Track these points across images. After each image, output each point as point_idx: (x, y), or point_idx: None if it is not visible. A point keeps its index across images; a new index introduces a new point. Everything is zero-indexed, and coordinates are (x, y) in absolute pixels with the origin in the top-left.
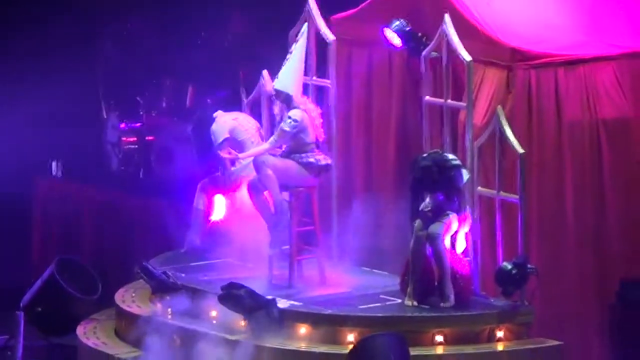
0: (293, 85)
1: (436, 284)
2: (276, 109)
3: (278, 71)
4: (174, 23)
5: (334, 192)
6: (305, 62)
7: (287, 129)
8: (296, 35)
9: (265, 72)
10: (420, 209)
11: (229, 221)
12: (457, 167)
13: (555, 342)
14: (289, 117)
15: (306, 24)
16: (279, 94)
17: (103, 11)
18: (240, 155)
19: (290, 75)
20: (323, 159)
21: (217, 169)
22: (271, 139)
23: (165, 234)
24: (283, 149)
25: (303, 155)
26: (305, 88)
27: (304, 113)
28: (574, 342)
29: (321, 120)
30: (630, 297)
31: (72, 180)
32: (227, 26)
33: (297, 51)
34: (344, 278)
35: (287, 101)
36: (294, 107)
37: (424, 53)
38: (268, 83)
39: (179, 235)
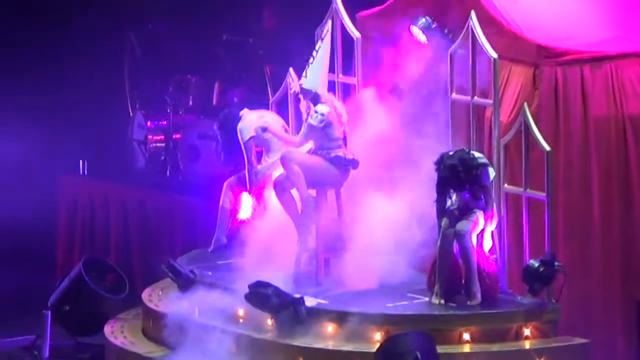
0: (319, 83)
1: (463, 282)
2: (303, 107)
3: (304, 69)
4: (199, 20)
5: (361, 188)
6: (331, 59)
7: (314, 123)
8: (323, 33)
9: (291, 70)
10: (447, 207)
11: (255, 220)
12: (484, 166)
13: (582, 340)
14: (316, 112)
15: (330, 21)
16: (306, 93)
17: (130, 9)
18: (270, 155)
19: (316, 73)
20: (350, 154)
21: (244, 167)
22: (300, 134)
23: (192, 232)
24: (311, 147)
25: (330, 151)
26: (332, 85)
27: (330, 108)
28: (600, 340)
29: (347, 117)
30: None
31: (98, 179)
32: (254, 23)
33: (323, 49)
34: (370, 276)
35: (314, 99)
36: (320, 103)
37: (450, 50)
38: (294, 83)
39: (206, 233)
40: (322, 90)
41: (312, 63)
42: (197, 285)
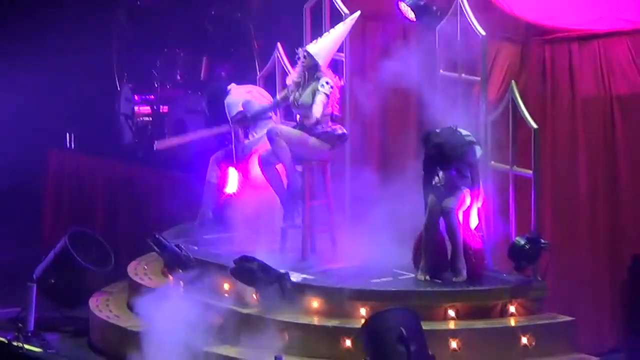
0: (325, 57)
1: (449, 258)
2: (290, 79)
3: (293, 44)
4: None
5: (347, 165)
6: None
7: (327, 92)
8: (311, 9)
9: (279, 45)
10: (433, 184)
11: (241, 194)
12: (470, 144)
13: (568, 318)
14: (326, 82)
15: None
16: (309, 58)
17: None
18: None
19: (326, 46)
20: (339, 128)
21: (231, 141)
22: (316, 107)
23: (178, 206)
24: (298, 122)
25: (318, 126)
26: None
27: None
28: (586, 318)
29: (339, 96)
30: None
31: (85, 152)
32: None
33: (339, 29)
34: (356, 252)
35: (312, 68)
36: (322, 75)
37: (438, 27)
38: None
39: (192, 208)
40: (323, 64)
41: (325, 36)
42: (183, 259)
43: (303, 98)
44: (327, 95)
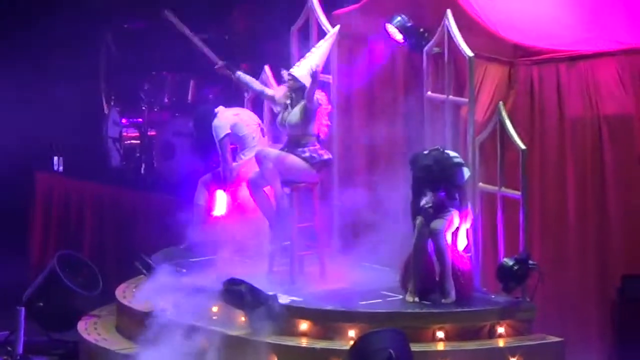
0: (309, 78)
1: (437, 280)
2: (276, 108)
3: (280, 67)
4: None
5: (335, 187)
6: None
7: (313, 107)
8: (298, 31)
9: (267, 68)
10: (421, 205)
11: (230, 217)
12: (458, 165)
13: (557, 339)
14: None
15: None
16: (294, 80)
17: (105, 7)
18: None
19: (309, 67)
20: (325, 154)
21: (219, 164)
22: (300, 121)
23: (166, 229)
24: (285, 143)
25: (305, 149)
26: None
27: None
28: (575, 338)
29: (327, 119)
30: (631, 293)
31: (73, 175)
32: (229, 21)
33: (321, 47)
34: (344, 274)
35: (299, 90)
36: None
37: (425, 48)
38: (257, 84)
39: (180, 231)
40: (309, 84)
41: (308, 56)
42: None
43: (291, 117)
44: (310, 109)
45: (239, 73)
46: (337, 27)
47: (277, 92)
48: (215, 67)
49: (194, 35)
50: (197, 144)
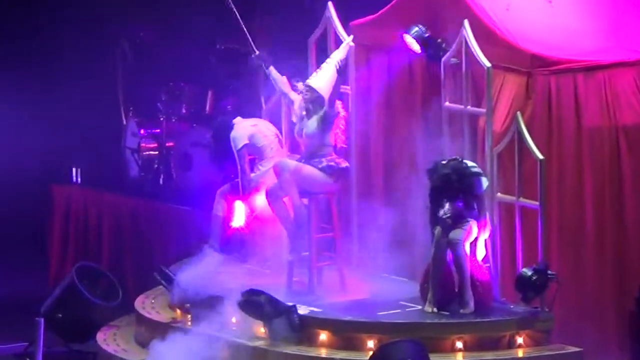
0: (327, 88)
1: (456, 290)
2: (294, 116)
3: (298, 77)
4: (192, 28)
5: (354, 197)
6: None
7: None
8: (315, 42)
9: (285, 79)
10: (439, 215)
11: (248, 228)
12: (477, 175)
13: (576, 349)
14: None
15: (351, 36)
16: (310, 91)
17: (123, 19)
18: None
19: (325, 78)
20: (342, 162)
21: (237, 175)
22: (315, 131)
23: (185, 240)
24: (302, 154)
25: (322, 159)
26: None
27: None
28: (594, 349)
29: (344, 127)
30: None
31: (91, 186)
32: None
33: (335, 57)
34: (363, 284)
35: (317, 102)
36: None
37: (443, 59)
38: (285, 85)
39: (199, 241)
40: (326, 94)
41: (323, 67)
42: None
43: (308, 127)
44: (330, 118)
45: (272, 68)
46: (351, 37)
47: (296, 101)
48: (252, 55)
49: (240, 19)
50: (215, 155)
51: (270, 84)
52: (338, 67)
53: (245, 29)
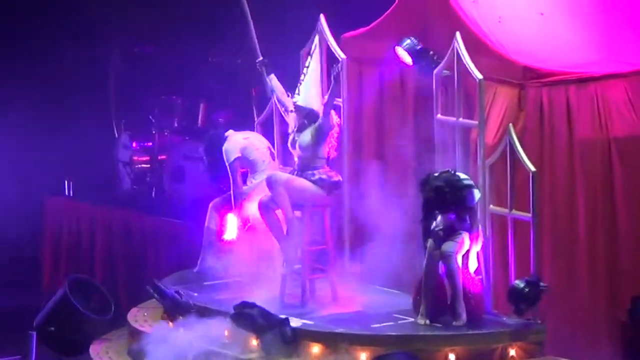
0: (313, 99)
1: (448, 302)
2: (291, 122)
3: (291, 90)
4: (185, 41)
5: (346, 210)
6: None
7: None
8: (308, 54)
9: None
10: (432, 228)
11: (241, 240)
12: (469, 187)
13: None
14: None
15: (317, 36)
16: (300, 110)
17: (115, 32)
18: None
19: (310, 90)
20: (335, 176)
21: (229, 188)
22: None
23: (178, 253)
24: (295, 167)
25: (315, 172)
26: None
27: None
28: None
29: (335, 138)
30: None
31: (84, 199)
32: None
33: (313, 66)
34: (356, 297)
35: (310, 116)
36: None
37: (435, 71)
38: (283, 94)
39: (191, 254)
40: (317, 106)
41: (303, 80)
42: (183, 306)
43: (302, 138)
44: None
45: (272, 75)
46: (316, 39)
47: (290, 116)
48: (256, 60)
49: (251, 23)
50: (207, 168)
51: (263, 98)
52: (334, 74)
53: (254, 33)
